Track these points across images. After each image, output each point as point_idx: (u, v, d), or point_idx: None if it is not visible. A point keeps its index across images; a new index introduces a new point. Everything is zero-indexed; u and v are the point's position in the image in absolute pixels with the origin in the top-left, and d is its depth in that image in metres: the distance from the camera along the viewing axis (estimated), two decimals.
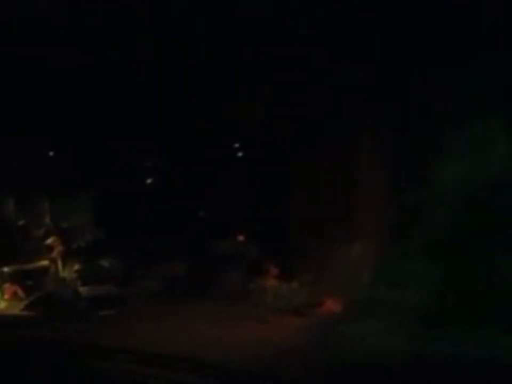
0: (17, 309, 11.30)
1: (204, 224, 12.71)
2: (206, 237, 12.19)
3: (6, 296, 12.00)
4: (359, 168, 10.04)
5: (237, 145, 12.72)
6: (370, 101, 9.55)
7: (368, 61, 9.21)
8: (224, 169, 12.39)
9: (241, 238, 12.27)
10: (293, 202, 11.49)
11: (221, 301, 10.30)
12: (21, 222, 12.97)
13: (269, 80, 10.57)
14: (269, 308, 9.80)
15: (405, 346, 7.18)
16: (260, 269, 11.06)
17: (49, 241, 12.59)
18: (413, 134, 9.23)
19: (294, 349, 7.49)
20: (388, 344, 7.25)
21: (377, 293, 8.35)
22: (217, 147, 12.28)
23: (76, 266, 12.39)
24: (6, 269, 12.08)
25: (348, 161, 10.40)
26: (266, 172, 12.01)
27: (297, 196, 11.26)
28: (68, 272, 12.44)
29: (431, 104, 8.97)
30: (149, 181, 13.67)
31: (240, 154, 12.88)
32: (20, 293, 11.94)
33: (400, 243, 8.72)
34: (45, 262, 12.44)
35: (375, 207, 9.46)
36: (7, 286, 12.06)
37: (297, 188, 11.20)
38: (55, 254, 12.56)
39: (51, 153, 13.21)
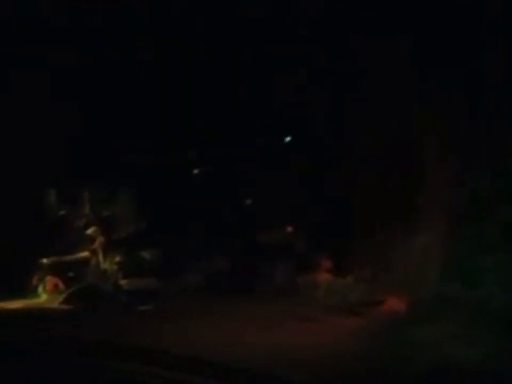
0: (57, 302, 10.76)
1: (250, 215, 11.95)
2: (252, 228, 11.49)
3: (47, 288, 11.32)
4: (425, 153, 8.76)
5: (285, 133, 12.02)
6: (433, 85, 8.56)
7: None
8: (272, 157, 11.57)
9: (289, 229, 11.22)
10: (347, 191, 10.27)
11: (267, 297, 9.41)
12: (61, 212, 12.24)
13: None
14: (321, 306, 8.57)
15: (485, 357, 5.80)
16: (310, 262, 9.88)
17: (89, 231, 11.91)
18: (485, 116, 7.96)
19: (351, 356, 6.23)
20: (463, 354, 5.90)
21: (449, 290, 6.96)
22: (264, 135, 11.63)
23: (117, 258, 11.68)
24: (45, 260, 11.51)
25: (407, 145, 9.15)
26: (318, 160, 11.10)
27: (352, 184, 10.05)
28: (109, 263, 11.74)
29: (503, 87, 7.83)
30: (195, 171, 12.73)
31: (288, 139, 11.77)
32: (61, 285, 11.28)
33: (473, 234, 7.31)
34: (85, 253, 11.86)
35: (442, 194, 8.11)
36: (49, 278, 11.38)
37: (352, 177, 10.00)
38: (96, 245, 11.89)
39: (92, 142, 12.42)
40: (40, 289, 11.57)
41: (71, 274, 11.47)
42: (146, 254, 11.65)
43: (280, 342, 6.69)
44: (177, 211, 11.82)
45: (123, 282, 10.97)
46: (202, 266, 11.20)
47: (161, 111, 11.19)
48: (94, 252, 11.89)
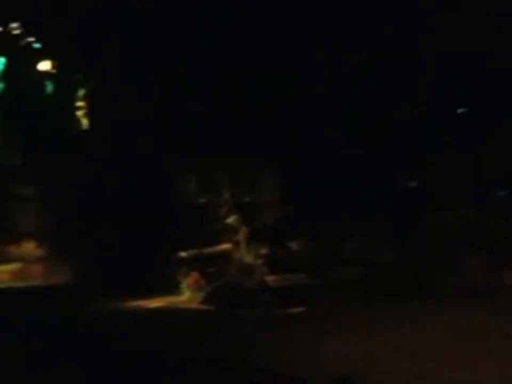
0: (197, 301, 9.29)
1: (417, 196, 9.57)
2: (420, 211, 9.16)
3: (190, 285, 9.55)
4: None
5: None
6: None
7: None
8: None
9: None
10: None
11: (455, 302, 6.76)
12: (201, 200, 10.38)
13: None
14: None
15: None
16: None
17: (230, 220, 9.98)
18: None
19: None
20: None
21: None
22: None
23: (262, 250, 9.62)
24: (183, 254, 9.85)
25: None
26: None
27: None
28: (253, 257, 9.71)
29: None
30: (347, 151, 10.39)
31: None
32: (202, 281, 9.44)
33: None
34: (226, 246, 9.93)
35: None
36: (192, 273, 9.59)
37: None
38: (240, 236, 9.89)
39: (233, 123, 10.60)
40: (183, 285, 9.84)
41: (210, 269, 9.65)
42: (294, 245, 9.72)
43: None
44: (329, 194, 9.74)
45: (269, 278, 9.09)
46: (360, 257, 9.19)
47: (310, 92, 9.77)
48: (236, 244, 10.02)
